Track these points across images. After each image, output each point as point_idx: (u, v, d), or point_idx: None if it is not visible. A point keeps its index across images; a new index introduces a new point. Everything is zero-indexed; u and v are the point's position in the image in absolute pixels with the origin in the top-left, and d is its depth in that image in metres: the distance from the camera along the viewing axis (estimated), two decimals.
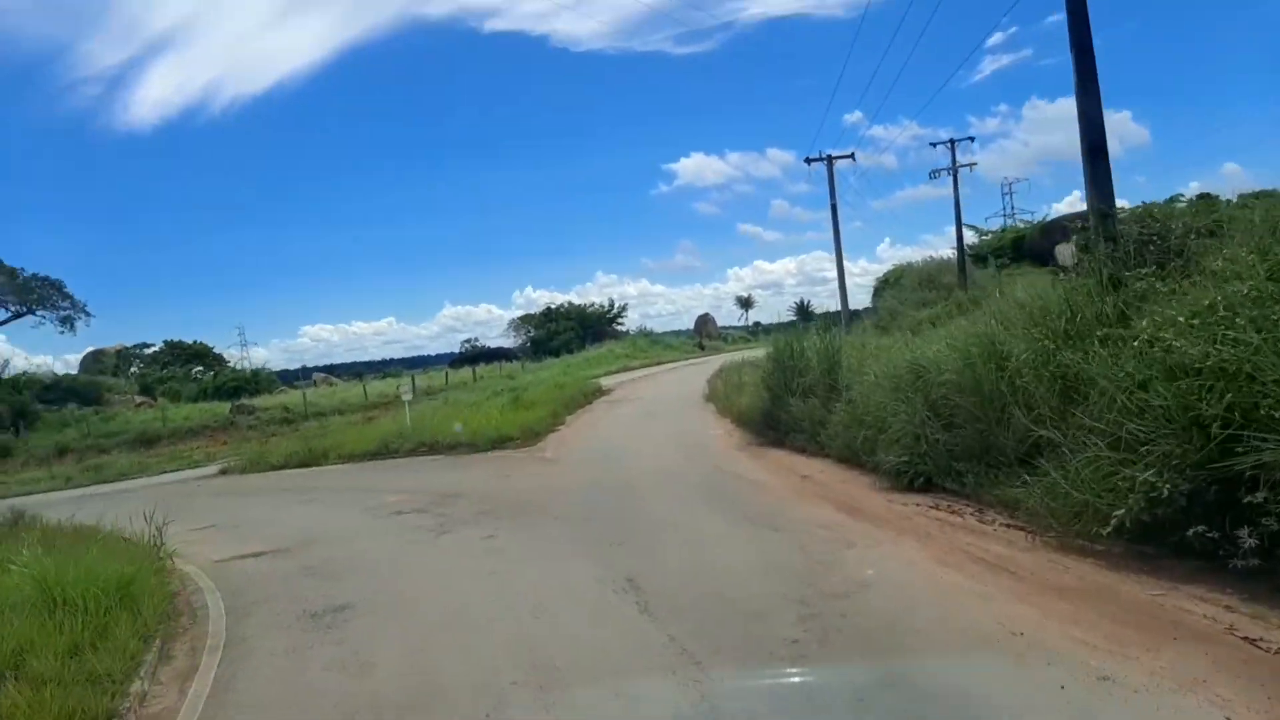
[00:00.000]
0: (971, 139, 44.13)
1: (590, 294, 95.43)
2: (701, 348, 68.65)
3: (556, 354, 62.81)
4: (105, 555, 8.32)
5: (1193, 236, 8.93)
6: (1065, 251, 25.43)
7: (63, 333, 40.28)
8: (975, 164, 34.73)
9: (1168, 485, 5.84)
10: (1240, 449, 5.49)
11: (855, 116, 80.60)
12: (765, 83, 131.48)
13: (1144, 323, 7.03)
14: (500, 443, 19.01)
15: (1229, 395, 5.66)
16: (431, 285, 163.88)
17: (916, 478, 9.69)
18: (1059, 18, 10.54)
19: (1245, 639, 4.83)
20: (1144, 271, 8.30)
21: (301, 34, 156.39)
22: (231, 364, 66.83)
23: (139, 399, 47.34)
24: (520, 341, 72.76)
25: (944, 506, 8.81)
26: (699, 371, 37.53)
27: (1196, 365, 5.96)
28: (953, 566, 6.83)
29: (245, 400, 44.64)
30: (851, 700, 4.82)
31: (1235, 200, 14.07)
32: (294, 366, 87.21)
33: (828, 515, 9.22)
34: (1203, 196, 27.59)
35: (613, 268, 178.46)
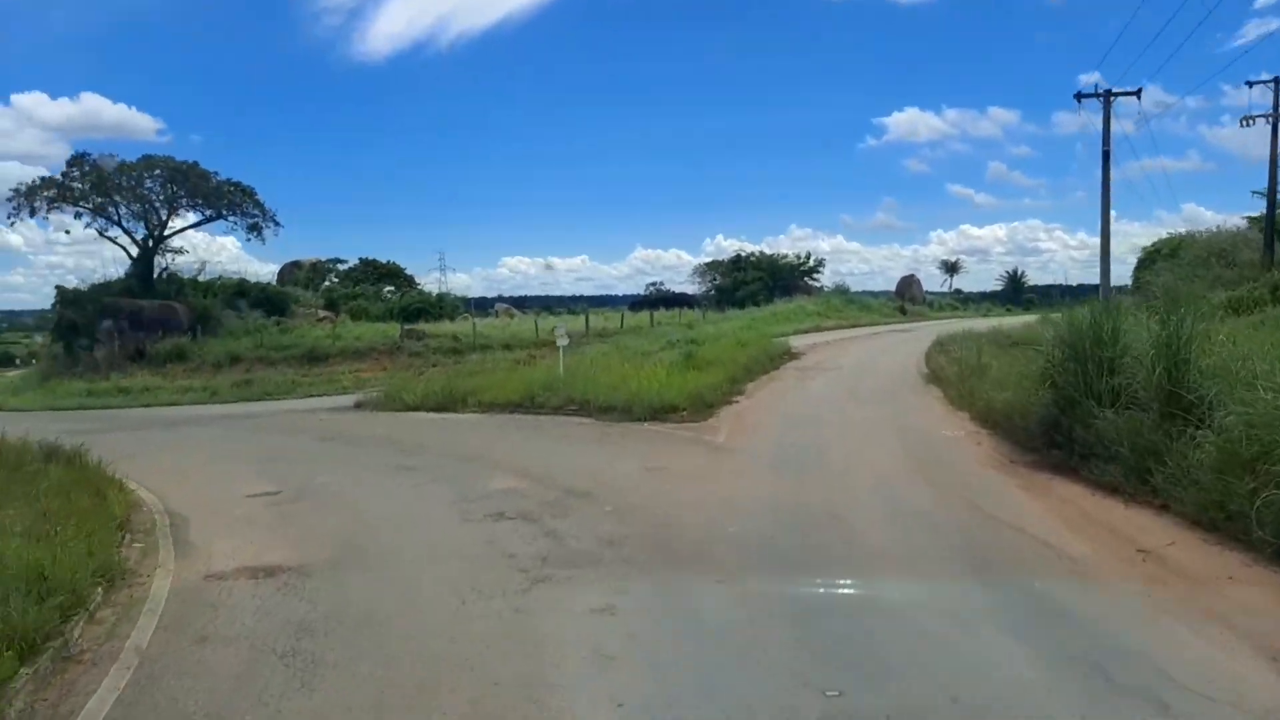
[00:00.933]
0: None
1: (782, 246, 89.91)
2: (903, 312, 62.03)
3: (742, 305, 58.26)
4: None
5: None
6: None
7: (249, 239, 40.04)
8: None
9: None
10: None
11: (1093, 77, 69.82)
12: (994, 35, 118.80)
13: None
14: (662, 413, 14.98)
15: None
16: (626, 226, 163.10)
17: None
18: None
19: None
20: None
21: None
22: (421, 286, 67.03)
23: (322, 313, 47.24)
24: (705, 289, 68.63)
25: None
26: (906, 341, 32.02)
27: None
28: None
29: (420, 325, 43.27)
30: None
31: None
32: (491, 295, 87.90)
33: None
34: None
35: (808, 221, 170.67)
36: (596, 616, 5.75)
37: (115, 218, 37.11)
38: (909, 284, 73.84)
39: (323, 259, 62.58)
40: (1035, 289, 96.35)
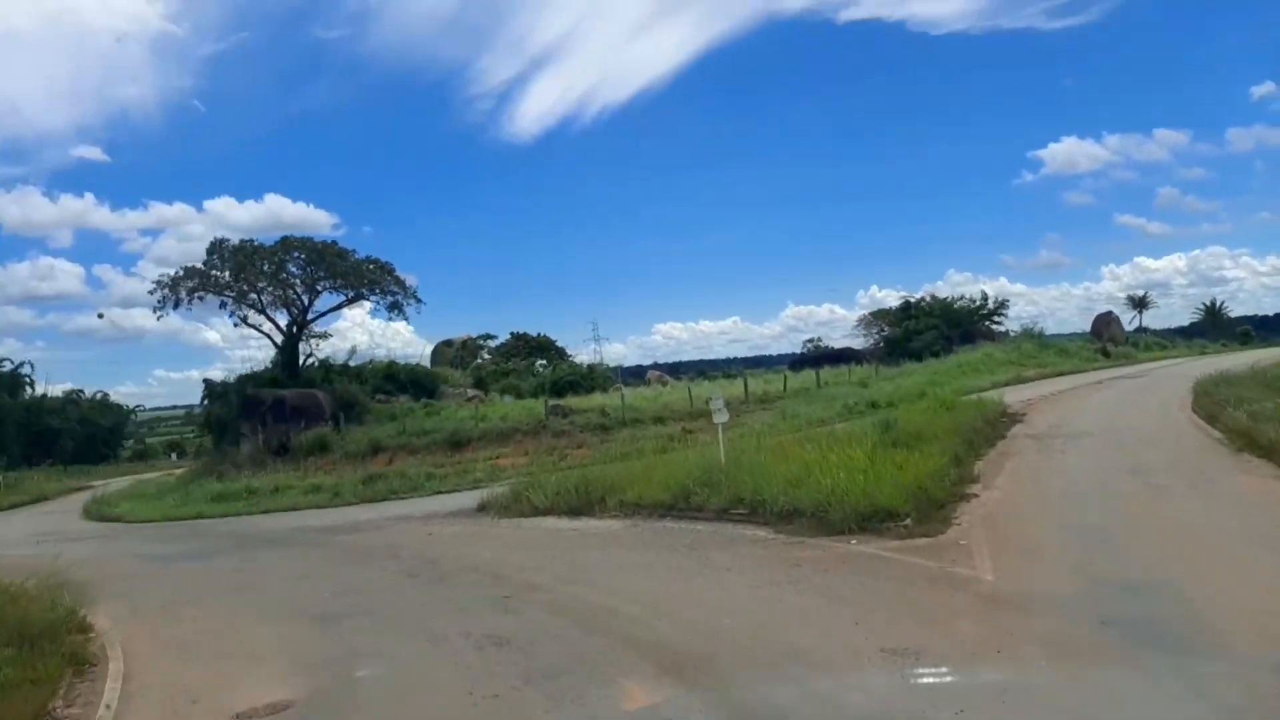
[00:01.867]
0: None
1: (940, 293, 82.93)
2: (1106, 354, 53.88)
3: (917, 356, 52.14)
4: None
5: None
6: None
7: (390, 318, 38.43)
8: None
9: None
10: None
11: (1266, 89, 60.15)
12: (1153, 54, 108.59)
13: None
14: (873, 520, 10.29)
15: None
16: (775, 285, 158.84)
17: None
18: None
19: None
20: None
21: (664, 40, 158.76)
22: (574, 358, 64.75)
23: (470, 393, 45.17)
24: (871, 341, 62.69)
25: None
26: (1145, 390, 25.81)
27: None
28: None
29: (568, 400, 40.16)
30: None
31: None
32: (647, 362, 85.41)
33: None
34: None
35: (966, 265, 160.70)
36: None
37: (258, 304, 36.39)
38: (1107, 323, 64.91)
39: (473, 335, 61.57)
40: (1244, 319, 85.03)
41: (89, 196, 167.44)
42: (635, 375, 68.16)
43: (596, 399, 41.47)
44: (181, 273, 34.47)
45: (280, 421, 33.08)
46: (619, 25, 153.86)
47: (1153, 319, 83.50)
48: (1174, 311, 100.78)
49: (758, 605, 7.88)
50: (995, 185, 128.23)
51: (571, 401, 38.22)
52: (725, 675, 6.01)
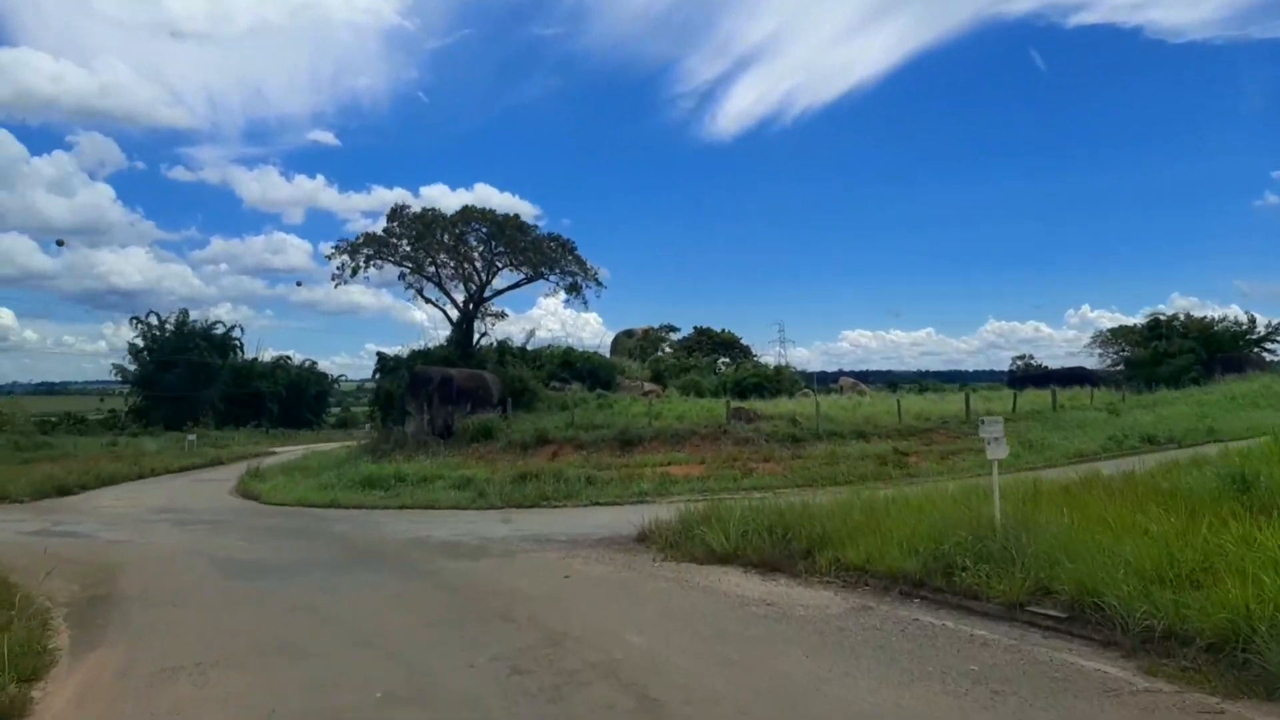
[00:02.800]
0: None
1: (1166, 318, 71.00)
2: None
3: (1170, 382, 43.58)
4: None
5: None
6: None
7: (567, 301, 35.41)
8: None
9: None
10: None
11: None
12: None
13: None
14: None
15: None
16: (974, 297, 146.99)
17: None
18: None
19: None
20: None
21: (875, 42, 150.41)
22: (758, 358, 60.05)
23: (647, 386, 41.64)
24: (1108, 362, 53.81)
25: None
26: None
27: None
28: None
29: (752, 403, 35.65)
30: None
31: None
32: (831, 369, 79.84)
33: None
34: None
35: (1193, 289, 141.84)
36: None
37: (435, 277, 34.39)
38: None
39: (655, 326, 58.22)
40: None
41: (319, 178, 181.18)
42: (823, 382, 62.70)
43: (784, 404, 36.57)
44: (361, 239, 33.00)
45: (446, 402, 30.73)
46: (829, 26, 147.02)
47: None
48: None
49: None
50: (1233, 205, 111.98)
51: (756, 405, 33.68)
52: None
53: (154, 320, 66.95)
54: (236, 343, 71.39)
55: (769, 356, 61.71)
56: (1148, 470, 12.68)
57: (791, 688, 6.09)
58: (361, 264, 32.98)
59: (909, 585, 8.64)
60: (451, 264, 34.32)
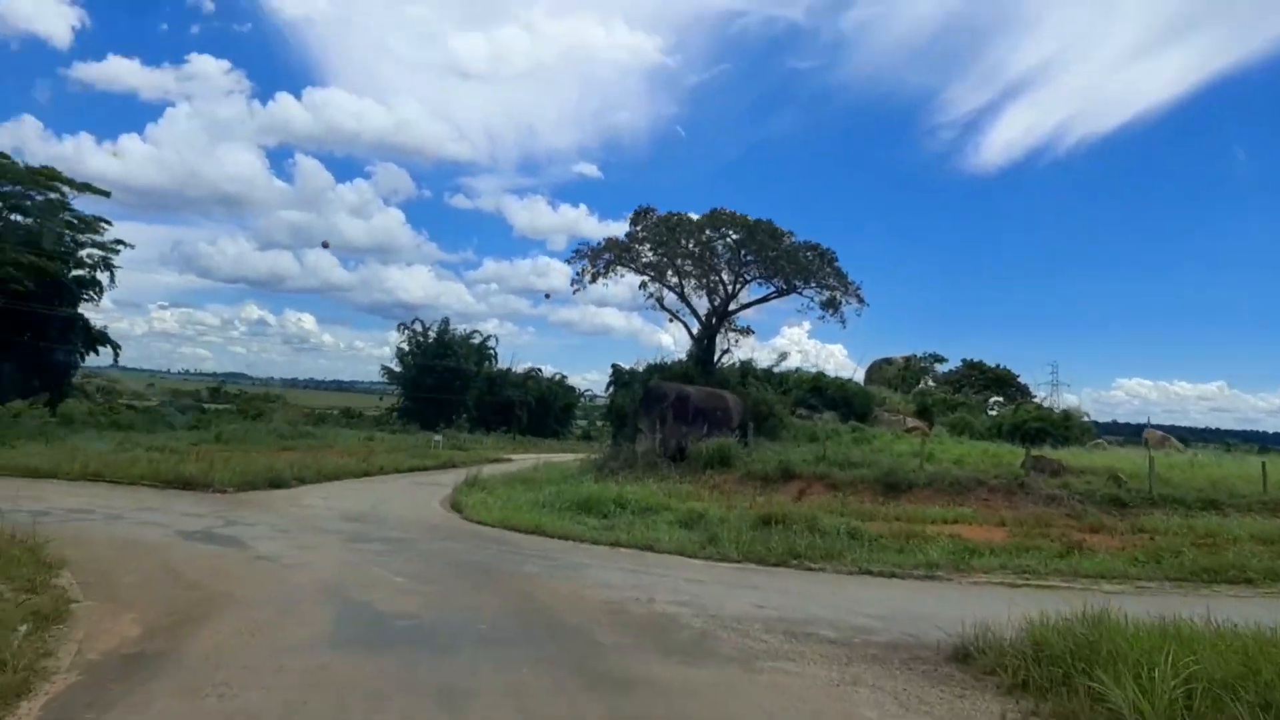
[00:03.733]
0: None
1: None
2: None
3: None
4: None
5: None
6: None
7: (823, 318, 30.40)
8: None
9: None
10: None
11: None
12: None
13: None
14: None
15: None
16: (1274, 350, 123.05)
17: None
18: None
19: None
20: None
21: (1164, 65, 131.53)
22: (1036, 399, 51.24)
23: (911, 422, 35.56)
24: None
25: None
26: None
27: None
28: None
29: (1049, 451, 28.68)
30: None
31: None
32: (1104, 419, 68.59)
33: None
34: None
35: None
36: None
37: (678, 287, 30.86)
38: None
39: (917, 355, 51.38)
40: None
41: (582, 207, 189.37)
42: (1108, 432, 52.89)
43: (1085, 456, 29.17)
44: (603, 244, 30.23)
45: (681, 421, 26.98)
46: (1111, 50, 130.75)
47: None
48: None
49: None
50: None
51: (1058, 455, 26.78)
52: None
53: (418, 327, 70.04)
54: (491, 352, 73.18)
55: (1040, 399, 52.68)
56: None
57: None
58: (602, 270, 30.21)
59: None
60: (695, 273, 30.71)
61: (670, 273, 30.56)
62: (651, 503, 18.74)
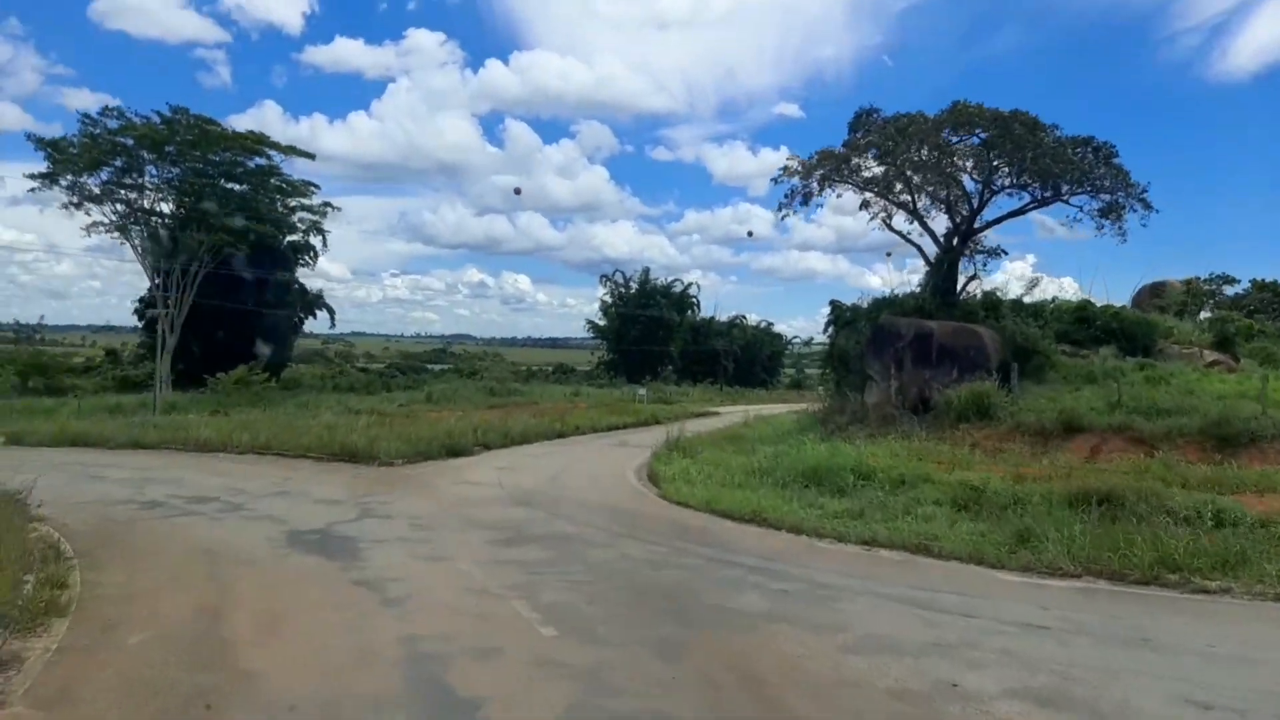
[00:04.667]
0: None
1: None
2: None
3: None
4: None
5: None
6: None
7: (1099, 230, 23.97)
8: None
9: None
10: None
11: None
12: None
13: None
14: None
15: None
16: None
17: None
18: None
19: None
20: None
21: None
22: None
23: (1209, 355, 28.15)
24: None
25: None
26: None
27: None
28: None
29: None
30: None
31: None
32: None
33: None
34: None
35: None
36: None
37: (909, 204, 25.50)
38: None
39: (1199, 278, 42.12)
40: None
41: (783, 149, 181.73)
42: None
43: None
44: (815, 157, 25.30)
45: (922, 365, 22.02)
46: None
47: None
48: None
49: None
50: None
51: None
52: None
53: (619, 278, 68.08)
54: (694, 300, 70.03)
55: None
56: None
57: None
58: (815, 188, 25.42)
59: None
60: (931, 185, 25.21)
61: (899, 187, 25.27)
62: (904, 472, 14.23)
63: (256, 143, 44.09)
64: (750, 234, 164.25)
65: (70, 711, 5.23)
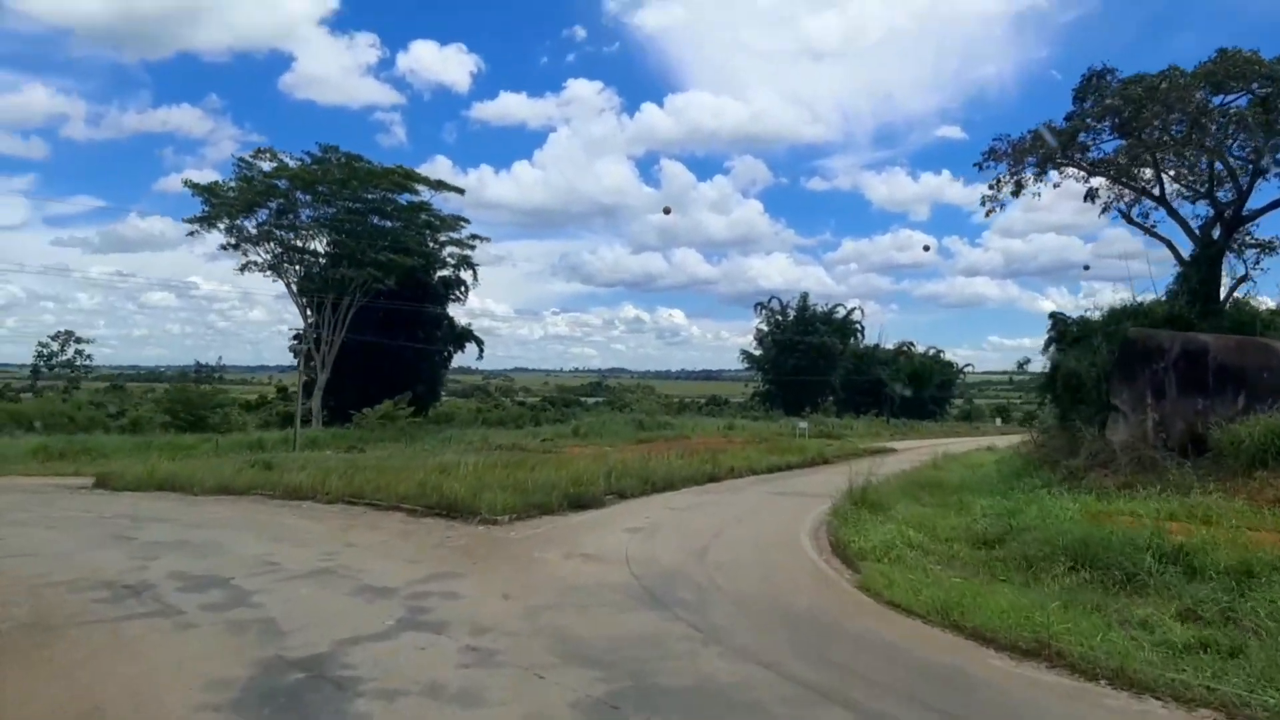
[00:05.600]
0: None
1: None
2: None
3: None
4: None
5: None
6: None
7: None
8: None
9: None
10: None
11: None
12: None
13: None
14: None
15: None
16: None
17: None
18: None
19: None
20: None
21: None
22: None
23: None
24: None
25: None
26: None
27: None
28: None
29: None
30: None
31: None
32: None
33: None
34: None
35: None
36: None
37: (1153, 188, 19.86)
38: None
39: None
40: None
41: (945, 173, 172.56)
42: None
43: None
44: (1027, 137, 20.14)
45: (1192, 391, 16.44)
46: None
47: None
48: None
49: None
50: None
51: None
52: None
53: (775, 305, 63.68)
54: (857, 326, 64.52)
55: None
56: None
57: None
58: (1032, 172, 20.27)
59: None
60: (1183, 164, 19.56)
61: (1141, 168, 19.77)
62: (1245, 555, 9.17)
63: (405, 177, 43.34)
64: (927, 248, 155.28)
65: None
